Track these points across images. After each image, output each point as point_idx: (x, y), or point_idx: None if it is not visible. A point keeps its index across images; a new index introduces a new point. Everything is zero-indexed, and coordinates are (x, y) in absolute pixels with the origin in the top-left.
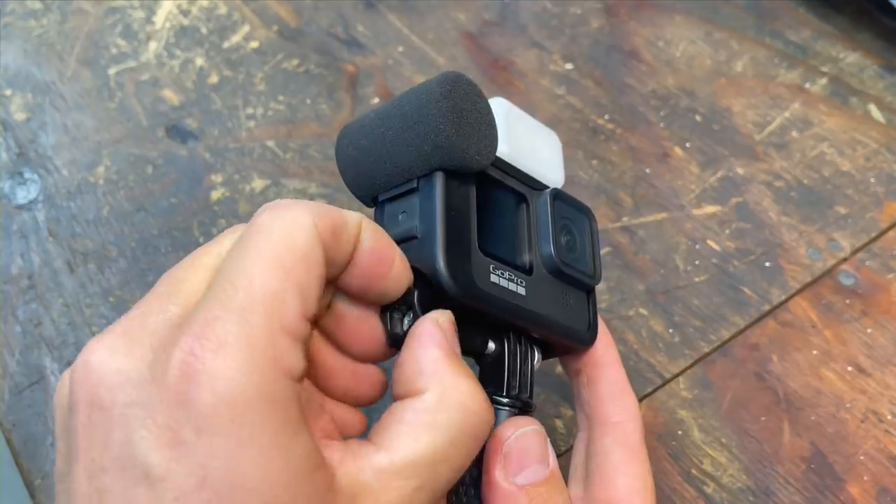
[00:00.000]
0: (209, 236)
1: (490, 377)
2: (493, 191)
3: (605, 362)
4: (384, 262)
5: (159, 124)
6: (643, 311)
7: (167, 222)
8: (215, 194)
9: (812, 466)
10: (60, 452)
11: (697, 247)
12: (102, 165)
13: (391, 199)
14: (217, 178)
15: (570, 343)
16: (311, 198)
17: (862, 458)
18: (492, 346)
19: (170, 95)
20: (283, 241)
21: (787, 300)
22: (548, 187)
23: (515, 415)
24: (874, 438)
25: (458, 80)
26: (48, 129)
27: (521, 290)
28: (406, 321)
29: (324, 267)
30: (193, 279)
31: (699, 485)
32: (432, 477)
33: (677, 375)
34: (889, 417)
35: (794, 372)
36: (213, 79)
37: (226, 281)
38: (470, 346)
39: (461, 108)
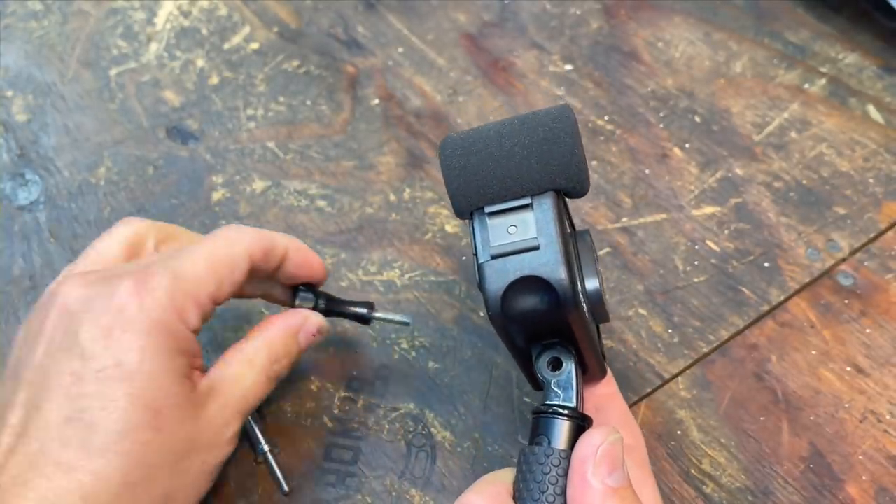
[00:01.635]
0: None
1: (558, 392)
2: None
3: (609, 392)
4: (305, 265)
5: (160, 125)
6: (642, 311)
7: (168, 223)
8: (216, 195)
9: (811, 466)
10: (20, 345)
11: (696, 247)
12: (103, 166)
13: (498, 213)
14: (218, 179)
15: (597, 369)
16: (312, 199)
17: (860, 457)
18: (560, 362)
19: (170, 96)
20: (221, 250)
21: (785, 300)
22: (574, 225)
23: (583, 428)
24: (873, 438)
25: (573, 110)
26: (49, 130)
27: (588, 315)
28: (299, 297)
29: (244, 273)
30: (111, 251)
31: (698, 484)
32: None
33: (676, 376)
34: (888, 417)
35: (792, 372)
36: (214, 80)
37: (179, 255)
38: (537, 361)
39: (579, 136)
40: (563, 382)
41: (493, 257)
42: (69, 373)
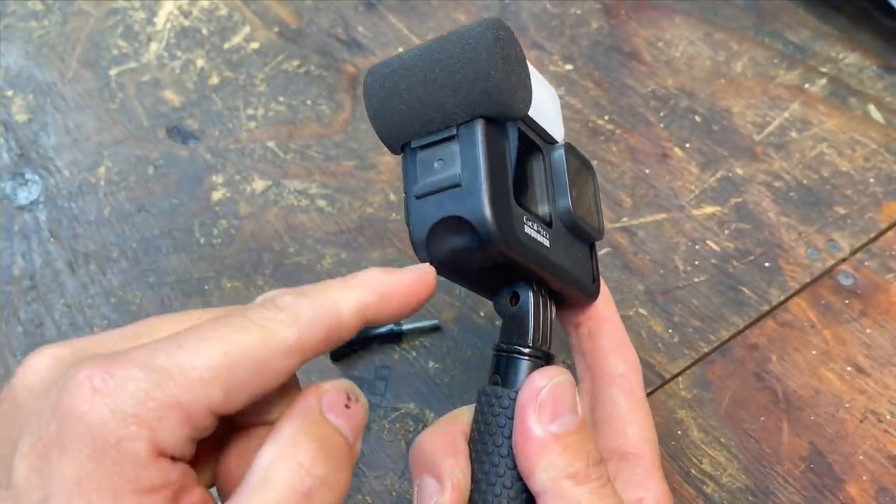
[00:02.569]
0: (210, 237)
1: (514, 329)
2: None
3: (605, 316)
4: (397, 305)
5: (160, 125)
6: (643, 311)
7: (168, 223)
8: (216, 195)
9: (811, 466)
10: None
11: (697, 247)
12: (103, 166)
13: (425, 146)
14: (218, 178)
15: (580, 295)
16: (312, 199)
17: (861, 457)
18: (518, 297)
19: (171, 96)
20: (250, 342)
21: (786, 300)
22: (556, 141)
23: (541, 365)
24: (873, 438)
25: (502, 25)
26: (49, 130)
27: (546, 242)
28: None
29: (279, 380)
30: (155, 333)
31: (698, 484)
32: None
33: (677, 375)
34: (888, 417)
35: (793, 372)
36: (214, 80)
37: (180, 339)
38: (497, 297)
39: (507, 54)
40: (518, 317)
41: (418, 197)
42: None
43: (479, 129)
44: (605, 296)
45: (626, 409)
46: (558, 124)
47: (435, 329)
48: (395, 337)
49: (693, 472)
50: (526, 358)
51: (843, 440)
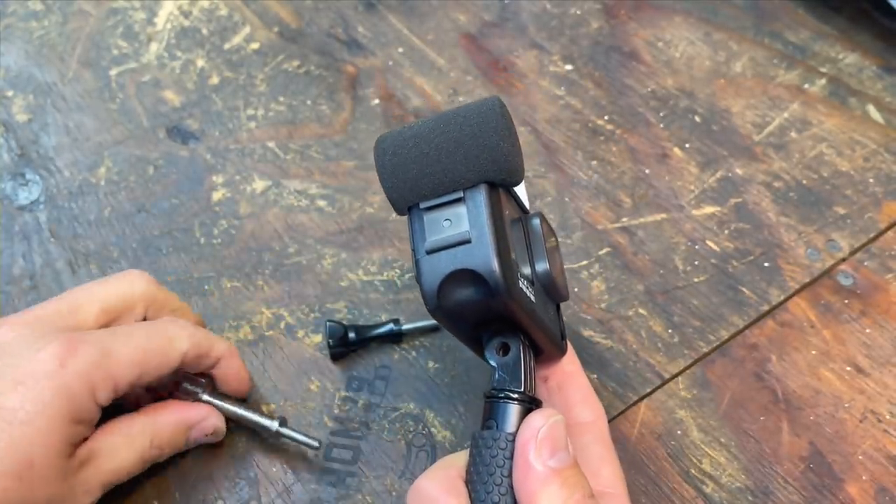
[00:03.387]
0: (210, 237)
1: (505, 377)
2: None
3: (571, 370)
4: (234, 378)
5: (160, 125)
6: (642, 311)
7: (168, 223)
8: (216, 195)
9: (811, 466)
10: None
11: (696, 247)
12: (104, 166)
13: (433, 208)
14: (218, 178)
15: (553, 350)
16: (312, 199)
17: (860, 457)
18: (507, 347)
19: (171, 96)
20: (158, 344)
21: (785, 300)
22: (528, 210)
23: (531, 409)
24: (873, 438)
25: (502, 103)
26: (49, 130)
27: (533, 298)
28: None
29: (170, 371)
30: (88, 313)
31: (698, 484)
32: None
33: (676, 375)
34: (888, 417)
35: (792, 372)
36: (214, 80)
37: (117, 335)
38: (487, 348)
39: (510, 127)
40: (510, 366)
41: (429, 252)
42: None
43: (483, 192)
44: (570, 352)
45: (599, 453)
46: (525, 197)
47: (435, 329)
48: (395, 337)
49: (693, 472)
50: (518, 402)
51: (843, 440)
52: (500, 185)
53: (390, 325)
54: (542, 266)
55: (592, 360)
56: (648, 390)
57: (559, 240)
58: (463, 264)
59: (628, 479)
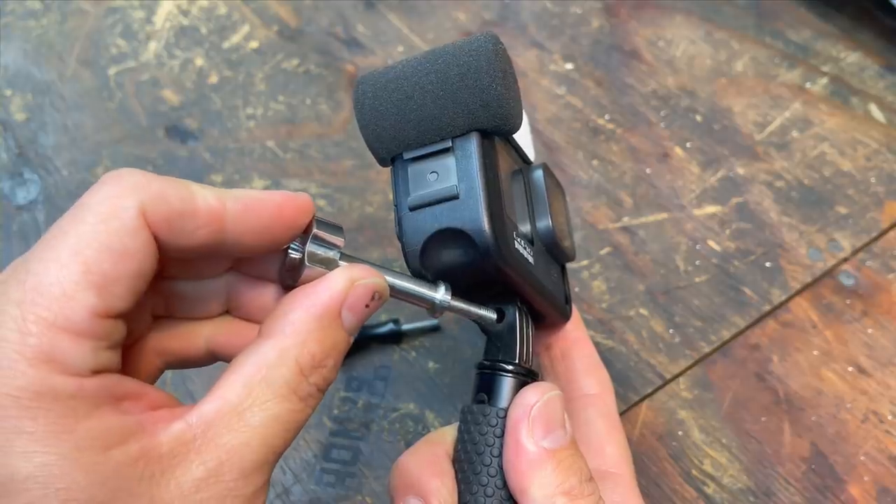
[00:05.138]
0: None
1: (499, 346)
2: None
3: (576, 337)
4: (265, 215)
5: (159, 124)
6: (643, 311)
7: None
8: None
9: (812, 467)
10: None
11: (698, 247)
12: (102, 166)
13: (418, 158)
14: (217, 178)
15: (556, 315)
16: (312, 198)
17: (862, 458)
18: (502, 314)
19: (170, 95)
20: (93, 228)
21: (787, 300)
22: (531, 161)
23: (526, 382)
24: (875, 439)
25: (498, 40)
26: (48, 129)
27: (531, 259)
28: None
29: (146, 257)
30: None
31: (699, 485)
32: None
33: (678, 376)
34: (889, 418)
35: (794, 372)
36: (213, 79)
37: (22, 268)
38: (484, 312)
39: (505, 68)
40: (504, 335)
41: (412, 209)
42: None
43: (475, 142)
44: (575, 317)
45: (603, 428)
46: (530, 146)
47: (435, 329)
48: (395, 337)
49: (694, 472)
50: (512, 375)
51: (845, 441)
52: (495, 133)
53: (390, 325)
54: (543, 223)
55: None
56: (650, 391)
57: None
58: (449, 223)
59: None
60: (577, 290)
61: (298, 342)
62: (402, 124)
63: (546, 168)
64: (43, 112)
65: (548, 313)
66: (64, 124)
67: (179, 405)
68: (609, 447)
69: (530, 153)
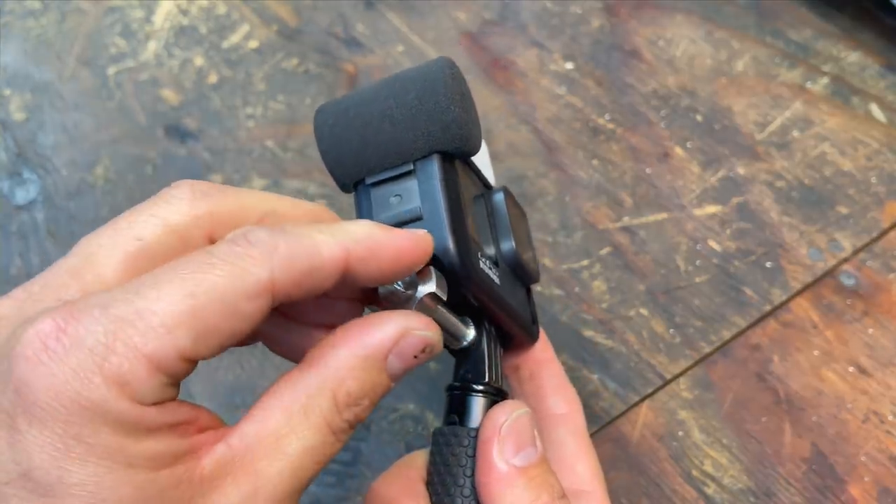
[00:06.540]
0: None
1: (469, 367)
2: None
3: (544, 358)
4: (386, 258)
5: (158, 124)
6: (644, 311)
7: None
8: None
9: (813, 467)
10: None
11: (698, 247)
12: (101, 165)
13: (380, 183)
14: (216, 178)
15: (523, 336)
16: (311, 198)
17: (863, 458)
18: (472, 333)
19: (169, 95)
20: (215, 280)
21: (788, 300)
22: (491, 185)
23: (496, 402)
24: (875, 439)
25: (453, 64)
26: (47, 129)
27: (496, 280)
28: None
29: (255, 320)
30: (107, 261)
31: (700, 486)
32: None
33: (678, 376)
34: (890, 418)
35: (795, 372)
36: (213, 78)
37: (144, 284)
38: (453, 332)
39: (462, 91)
40: (472, 355)
41: None
42: None
43: (436, 163)
44: (543, 338)
45: (573, 447)
46: (489, 170)
47: None
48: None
49: (694, 473)
50: (482, 395)
51: (846, 441)
52: (456, 154)
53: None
54: (507, 245)
55: (593, 361)
56: (650, 391)
57: (559, 239)
58: None
59: (629, 480)
60: (577, 290)
61: (339, 378)
62: (362, 150)
63: (507, 191)
64: (42, 112)
65: (515, 333)
66: (63, 124)
67: (223, 425)
68: (580, 465)
69: (490, 177)
